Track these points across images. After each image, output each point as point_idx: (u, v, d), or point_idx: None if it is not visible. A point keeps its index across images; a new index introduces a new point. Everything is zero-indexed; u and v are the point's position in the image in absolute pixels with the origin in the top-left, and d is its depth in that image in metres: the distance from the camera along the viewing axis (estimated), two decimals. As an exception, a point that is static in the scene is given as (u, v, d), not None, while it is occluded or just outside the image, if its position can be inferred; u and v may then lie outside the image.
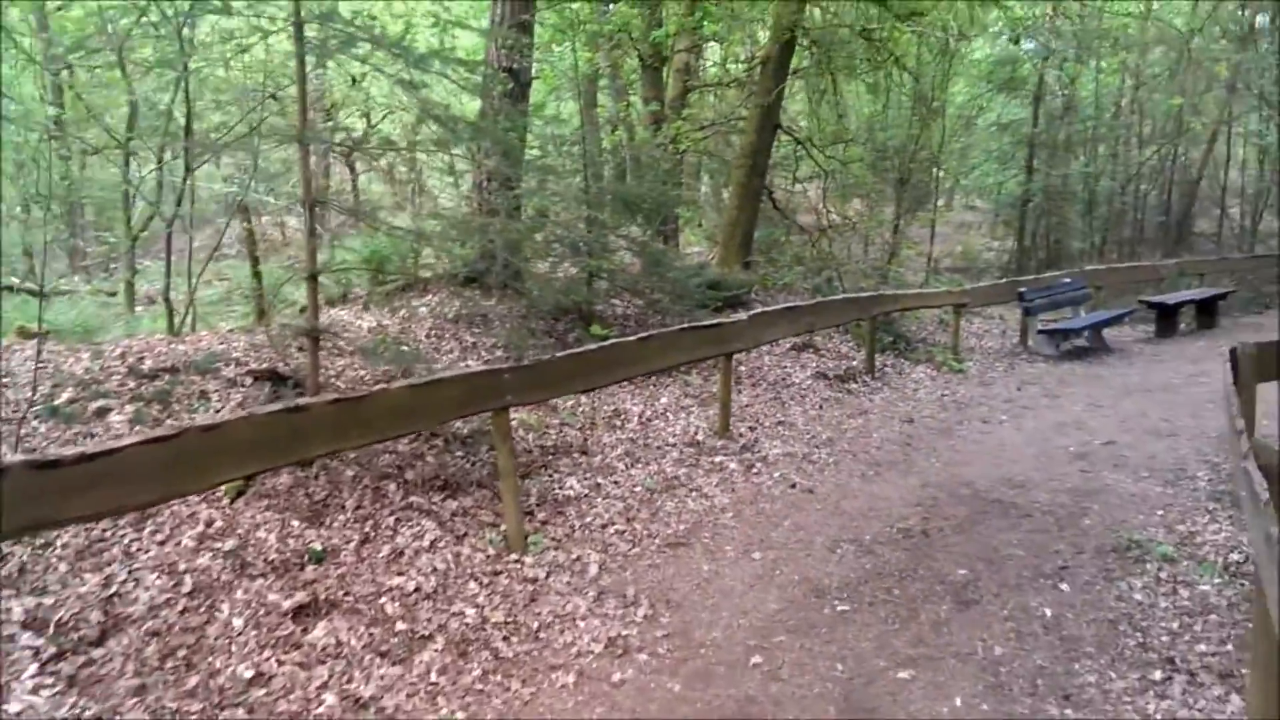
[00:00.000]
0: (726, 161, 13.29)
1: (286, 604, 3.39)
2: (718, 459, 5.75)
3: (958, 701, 2.97)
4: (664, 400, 6.71)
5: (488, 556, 4.06)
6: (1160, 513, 4.60)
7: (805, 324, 7.12)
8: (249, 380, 5.04)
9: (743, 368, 7.63)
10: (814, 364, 8.17)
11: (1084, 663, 3.12)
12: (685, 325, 5.65)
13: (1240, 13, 13.98)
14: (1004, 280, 10.86)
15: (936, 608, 3.67)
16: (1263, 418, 5.66)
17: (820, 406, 7.15)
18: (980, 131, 19.76)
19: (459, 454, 5.03)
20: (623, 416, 6.28)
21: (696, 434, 6.14)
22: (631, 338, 5.14)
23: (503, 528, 4.26)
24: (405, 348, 6.67)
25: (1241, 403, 4.08)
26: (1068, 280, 11.27)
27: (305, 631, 3.28)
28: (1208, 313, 11.82)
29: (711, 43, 14.59)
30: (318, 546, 3.93)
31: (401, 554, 3.99)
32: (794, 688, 3.10)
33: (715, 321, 5.93)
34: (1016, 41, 12.02)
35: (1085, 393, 7.85)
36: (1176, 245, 16.65)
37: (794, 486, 5.34)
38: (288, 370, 5.15)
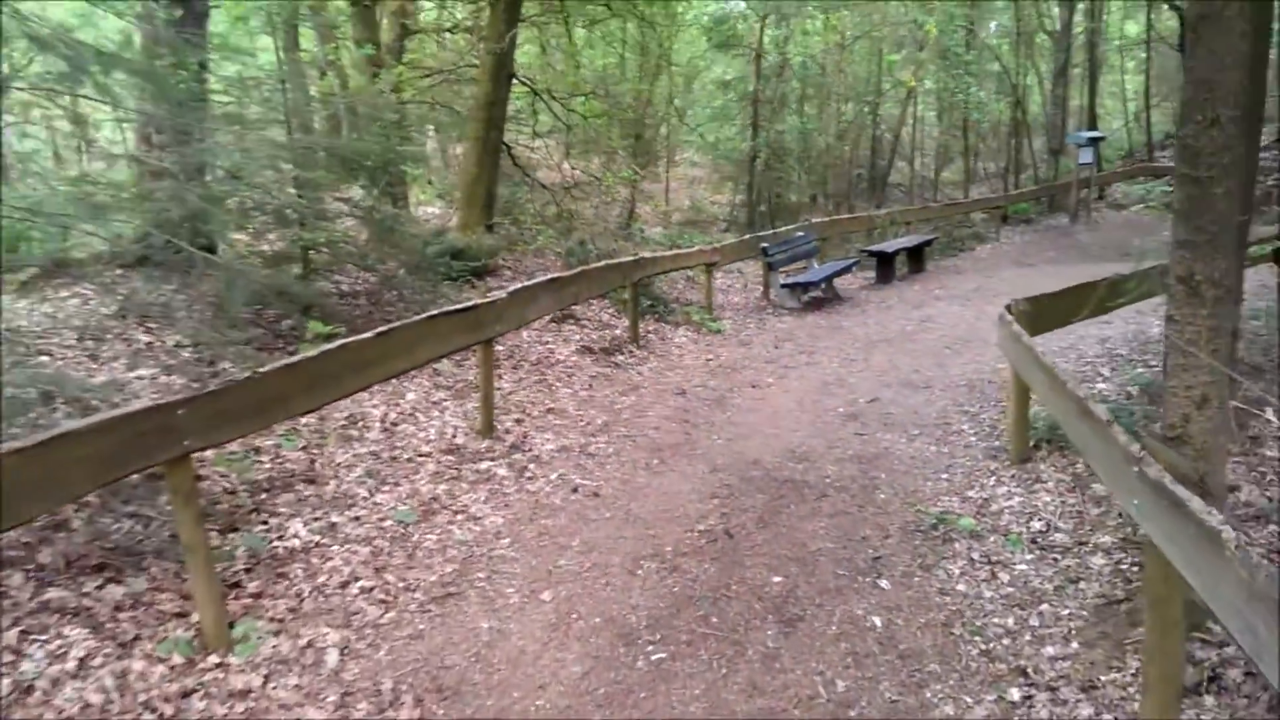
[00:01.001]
0: (458, 113, 12.06)
1: None
2: (484, 465, 4.87)
3: (815, 770, 2.46)
4: (411, 396, 5.65)
5: (173, 669, 2.87)
6: (945, 477, 4.52)
7: (570, 295, 6.39)
8: None
9: (501, 347, 6.75)
10: (577, 337, 7.49)
11: (934, 687, 2.75)
12: (436, 311, 4.64)
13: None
14: (747, 236, 10.97)
15: (762, 634, 3.16)
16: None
17: (590, 385, 6.49)
18: (701, 90, 20.22)
19: (125, 512, 3.66)
20: (361, 424, 5.15)
21: (455, 436, 5.20)
22: (368, 334, 4.03)
23: (195, 618, 3.07)
24: (44, 360, 4.96)
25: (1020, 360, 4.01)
26: (801, 234, 11.66)
27: None
28: (917, 258, 12.92)
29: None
30: (-120, 701, 2.52)
31: (30, 690, 2.68)
32: (622, 795, 2.40)
33: (470, 303, 4.96)
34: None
35: (836, 346, 7.99)
36: (882, 197, 18.24)
37: (576, 491, 4.63)
38: None
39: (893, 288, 11.76)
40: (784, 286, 10.33)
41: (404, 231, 7.75)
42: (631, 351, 7.45)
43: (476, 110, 10.42)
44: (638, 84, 14.39)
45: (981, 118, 17.41)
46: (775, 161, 17.04)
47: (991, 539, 3.70)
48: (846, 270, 11.30)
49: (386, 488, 4.43)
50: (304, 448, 4.74)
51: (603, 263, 7.00)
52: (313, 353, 3.73)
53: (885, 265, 12.16)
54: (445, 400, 5.71)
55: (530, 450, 5.14)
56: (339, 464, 4.65)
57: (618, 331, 7.89)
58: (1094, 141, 15.52)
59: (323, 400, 3.81)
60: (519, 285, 5.51)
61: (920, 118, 22.19)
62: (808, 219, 14.32)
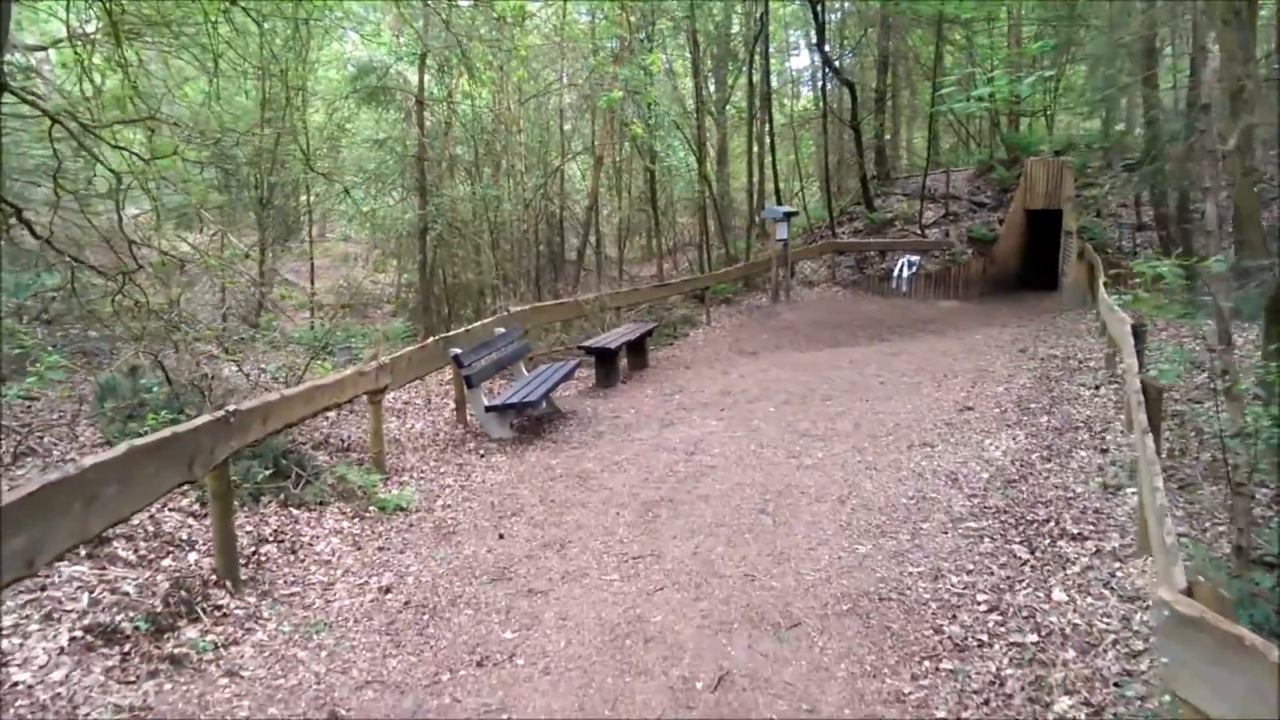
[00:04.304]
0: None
1: None
2: None
3: None
4: None
5: None
6: None
7: (14, 562, 2.52)
8: None
9: None
10: (85, 599, 3.51)
11: None
12: None
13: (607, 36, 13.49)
14: (429, 341, 7.63)
15: None
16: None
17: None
18: (351, 150, 16.61)
19: None
20: None
21: None
22: None
23: None
24: None
25: None
26: (502, 330, 8.64)
27: None
28: (639, 351, 10.58)
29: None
30: None
31: None
32: None
33: None
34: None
35: (596, 521, 5.00)
36: (577, 277, 16.01)
37: None
38: None
39: (621, 393, 9.20)
40: (490, 410, 7.16)
41: None
42: (223, 609, 3.67)
43: (-74, 142, 5.87)
44: (261, 133, 10.38)
45: (677, 188, 16.07)
46: (451, 234, 13.92)
47: None
48: (569, 377, 8.47)
49: None
50: None
51: (128, 445, 3.17)
52: None
53: (607, 364, 9.59)
54: None
55: None
56: None
57: (191, 559, 4.02)
58: (788, 216, 14.80)
59: None
60: None
61: (602, 193, 20.72)
62: (504, 305, 11.39)
